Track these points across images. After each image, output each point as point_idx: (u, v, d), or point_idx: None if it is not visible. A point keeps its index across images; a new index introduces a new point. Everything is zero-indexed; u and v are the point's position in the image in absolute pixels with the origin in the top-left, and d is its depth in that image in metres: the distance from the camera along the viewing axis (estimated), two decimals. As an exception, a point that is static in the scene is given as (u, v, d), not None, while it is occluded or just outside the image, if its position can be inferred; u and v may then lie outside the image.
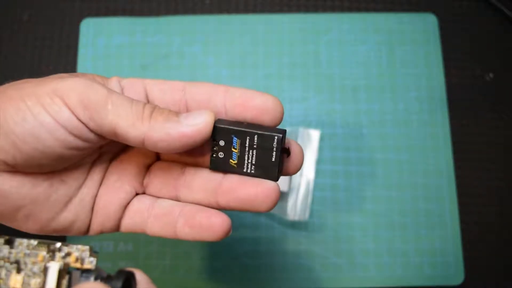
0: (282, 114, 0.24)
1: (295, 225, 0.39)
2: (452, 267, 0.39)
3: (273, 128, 0.23)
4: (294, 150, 0.24)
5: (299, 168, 0.25)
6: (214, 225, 0.24)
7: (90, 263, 0.19)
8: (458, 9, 0.44)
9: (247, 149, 0.23)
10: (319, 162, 0.40)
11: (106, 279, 0.19)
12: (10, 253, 0.19)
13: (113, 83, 0.24)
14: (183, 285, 0.38)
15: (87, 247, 0.19)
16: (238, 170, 0.24)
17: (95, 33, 0.43)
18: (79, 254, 0.19)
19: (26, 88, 0.21)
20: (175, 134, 0.21)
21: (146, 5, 0.44)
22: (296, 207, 0.38)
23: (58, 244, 0.20)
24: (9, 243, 0.19)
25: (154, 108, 0.22)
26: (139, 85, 0.25)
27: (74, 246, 0.19)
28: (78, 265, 0.19)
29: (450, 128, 0.42)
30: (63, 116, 0.21)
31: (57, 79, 0.22)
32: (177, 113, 0.22)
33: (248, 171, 0.24)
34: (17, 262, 0.19)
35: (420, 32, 0.44)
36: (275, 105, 0.24)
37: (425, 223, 0.39)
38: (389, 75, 0.43)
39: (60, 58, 0.43)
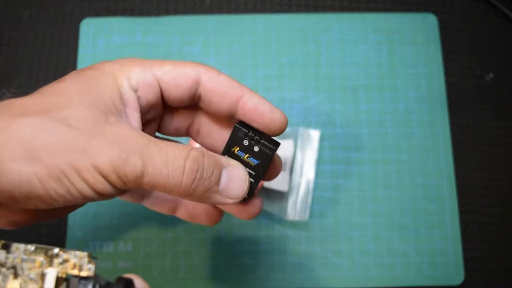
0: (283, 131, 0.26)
1: (295, 225, 0.39)
2: (452, 267, 0.39)
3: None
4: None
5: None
6: (212, 218, 0.28)
7: (88, 270, 0.19)
8: (458, 9, 0.44)
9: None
10: (319, 162, 0.40)
11: (104, 286, 0.19)
12: (6, 258, 0.19)
13: (125, 88, 0.23)
14: (183, 284, 0.38)
15: (85, 253, 0.19)
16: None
17: (95, 33, 0.43)
18: (77, 261, 0.19)
19: (58, 154, 0.20)
20: (214, 203, 0.24)
21: (146, 5, 0.44)
22: (296, 207, 0.38)
23: (56, 250, 0.19)
24: (6, 248, 0.19)
25: (195, 177, 0.22)
26: (152, 84, 0.24)
27: (72, 252, 0.19)
28: (76, 271, 0.19)
29: (450, 128, 0.41)
30: (105, 189, 0.21)
31: (80, 143, 0.21)
32: (218, 179, 0.23)
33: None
34: (14, 267, 0.19)
35: (420, 32, 0.44)
36: (282, 126, 0.25)
37: (425, 223, 0.39)
38: (389, 75, 0.43)
39: (60, 58, 0.43)
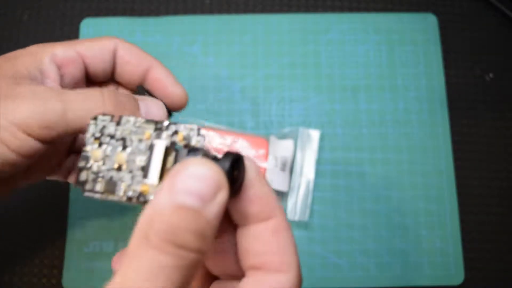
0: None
1: (295, 225, 0.39)
2: (452, 267, 0.39)
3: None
4: None
5: None
6: None
7: (197, 142, 0.18)
8: (458, 9, 0.44)
9: None
10: (319, 162, 0.40)
11: (212, 158, 0.18)
12: (116, 130, 0.18)
13: (45, 63, 0.25)
14: (183, 285, 0.38)
15: (195, 126, 0.18)
16: None
17: (95, 33, 0.43)
18: (187, 133, 0.18)
19: None
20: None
21: (146, 5, 0.44)
22: (296, 207, 0.38)
23: (166, 123, 0.18)
24: (117, 122, 0.19)
25: (115, 103, 0.23)
26: (77, 60, 0.26)
27: (182, 125, 0.18)
28: (185, 143, 0.18)
29: (450, 128, 0.41)
30: (27, 145, 0.21)
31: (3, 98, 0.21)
32: (137, 107, 0.25)
33: None
34: (123, 139, 0.18)
35: (420, 32, 0.44)
36: (182, 100, 0.28)
37: (425, 223, 0.39)
38: (389, 75, 0.43)
39: (60, 58, 0.43)
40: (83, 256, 0.38)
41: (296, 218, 0.38)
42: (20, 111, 0.20)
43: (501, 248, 0.39)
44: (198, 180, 0.16)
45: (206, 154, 0.18)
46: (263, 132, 0.41)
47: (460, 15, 0.44)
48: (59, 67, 0.25)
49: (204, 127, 0.38)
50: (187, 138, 0.18)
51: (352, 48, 0.43)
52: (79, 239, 0.39)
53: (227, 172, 0.17)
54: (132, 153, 0.18)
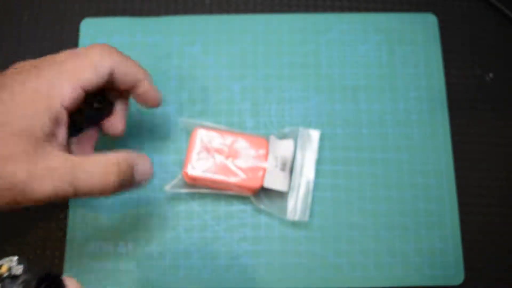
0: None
1: (295, 225, 0.39)
2: (452, 267, 0.39)
3: None
4: None
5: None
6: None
7: (17, 270, 0.22)
8: (458, 9, 0.44)
9: None
10: (319, 162, 0.40)
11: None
12: None
13: (58, 109, 0.29)
14: (183, 285, 0.38)
15: (15, 257, 0.22)
16: None
17: (95, 33, 0.43)
18: (9, 265, 0.22)
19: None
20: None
21: (146, 5, 0.44)
22: (296, 207, 0.38)
23: None
24: None
25: (119, 185, 0.30)
26: (80, 97, 0.29)
27: (4, 260, 0.22)
28: (8, 273, 0.22)
29: (450, 128, 0.42)
30: None
31: None
32: (133, 176, 0.30)
33: None
34: None
35: (420, 32, 0.44)
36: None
37: (425, 223, 0.39)
38: (389, 75, 0.43)
39: (60, 58, 0.43)
40: (83, 256, 0.38)
41: (296, 218, 0.38)
42: (40, 192, 0.26)
43: (501, 248, 0.39)
44: None
45: (26, 280, 0.22)
46: (263, 132, 0.41)
47: (460, 15, 0.44)
48: (67, 109, 0.28)
49: (204, 127, 0.38)
50: (10, 269, 0.22)
51: (352, 48, 0.43)
52: (79, 239, 0.39)
53: None
54: None
